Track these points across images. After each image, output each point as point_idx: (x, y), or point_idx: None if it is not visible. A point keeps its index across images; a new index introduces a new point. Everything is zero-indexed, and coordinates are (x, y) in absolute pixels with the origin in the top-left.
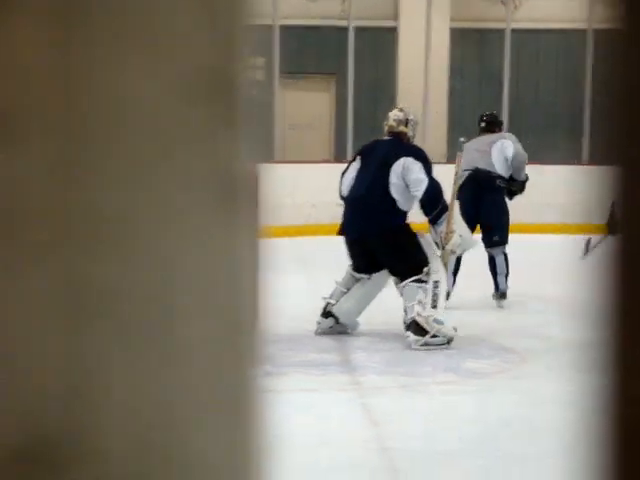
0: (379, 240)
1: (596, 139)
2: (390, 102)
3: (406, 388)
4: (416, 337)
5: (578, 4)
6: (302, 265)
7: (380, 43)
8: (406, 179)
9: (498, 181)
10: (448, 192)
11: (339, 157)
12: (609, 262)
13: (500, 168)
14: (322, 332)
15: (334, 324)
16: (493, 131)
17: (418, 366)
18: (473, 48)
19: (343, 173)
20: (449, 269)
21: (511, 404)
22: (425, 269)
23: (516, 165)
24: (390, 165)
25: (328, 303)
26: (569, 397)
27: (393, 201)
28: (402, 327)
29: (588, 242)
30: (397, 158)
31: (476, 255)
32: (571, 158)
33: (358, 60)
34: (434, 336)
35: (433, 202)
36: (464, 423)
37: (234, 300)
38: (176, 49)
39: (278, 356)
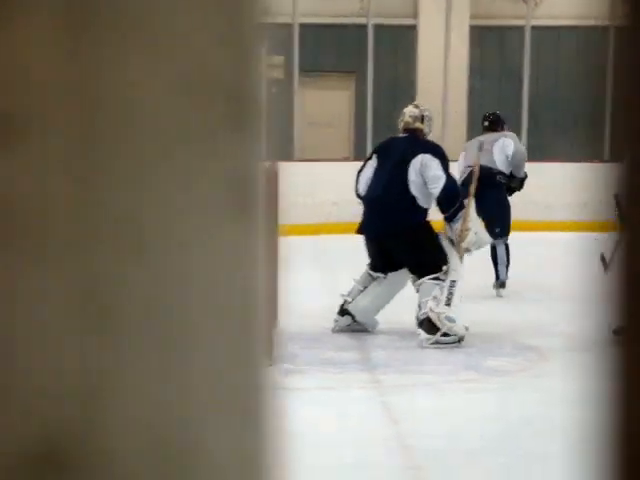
0: (400, 238)
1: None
2: (409, 100)
3: (426, 386)
4: (427, 335)
5: (598, 1)
6: (322, 263)
7: (399, 41)
8: (424, 176)
9: (499, 177)
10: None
11: (359, 155)
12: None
13: (501, 165)
14: (339, 330)
15: (351, 322)
16: (495, 130)
17: (438, 364)
18: (493, 46)
19: (359, 171)
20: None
21: (532, 402)
22: (444, 268)
23: (515, 163)
24: (408, 162)
25: (345, 301)
26: (587, 396)
27: (413, 199)
28: (415, 323)
29: (603, 257)
30: (415, 155)
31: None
32: (593, 156)
33: (377, 58)
34: (445, 334)
35: (450, 199)
36: (485, 421)
37: (246, 300)
38: (184, 49)
39: (297, 354)
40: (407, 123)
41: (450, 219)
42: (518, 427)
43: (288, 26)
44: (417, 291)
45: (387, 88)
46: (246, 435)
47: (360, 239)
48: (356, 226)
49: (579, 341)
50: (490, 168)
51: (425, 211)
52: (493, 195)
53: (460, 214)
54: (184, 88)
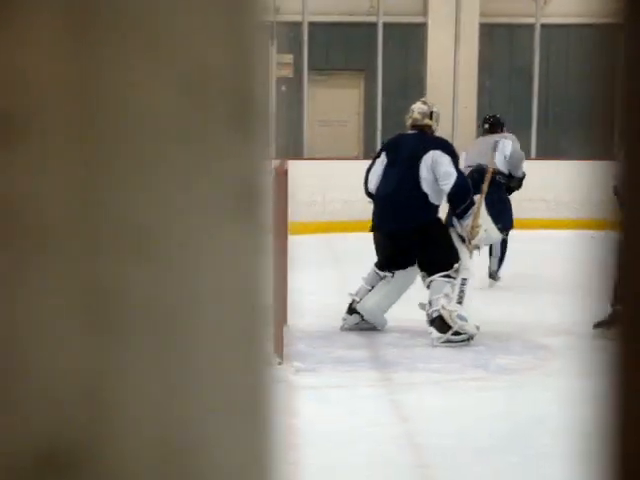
0: (412, 236)
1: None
2: (419, 98)
3: (436, 384)
4: (439, 334)
5: None
6: (332, 262)
7: (409, 39)
8: (435, 172)
9: (498, 177)
10: None
11: (368, 153)
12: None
13: (500, 165)
14: (348, 328)
15: (359, 321)
16: (495, 132)
17: (448, 362)
18: (502, 44)
19: (368, 169)
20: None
21: (542, 401)
22: (455, 265)
23: (513, 162)
24: (419, 159)
25: (353, 300)
26: (591, 394)
27: (425, 196)
28: (427, 323)
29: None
30: (426, 151)
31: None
32: (603, 154)
33: (387, 56)
34: (457, 333)
35: (461, 196)
36: (494, 420)
37: (247, 301)
38: (184, 49)
39: (307, 352)
40: (416, 120)
41: (461, 216)
42: (527, 426)
43: (298, 25)
44: (427, 288)
45: (397, 86)
46: (250, 435)
47: (370, 237)
48: (366, 224)
49: (588, 339)
50: (493, 168)
51: (436, 208)
52: (493, 194)
53: (470, 211)
54: (184, 88)
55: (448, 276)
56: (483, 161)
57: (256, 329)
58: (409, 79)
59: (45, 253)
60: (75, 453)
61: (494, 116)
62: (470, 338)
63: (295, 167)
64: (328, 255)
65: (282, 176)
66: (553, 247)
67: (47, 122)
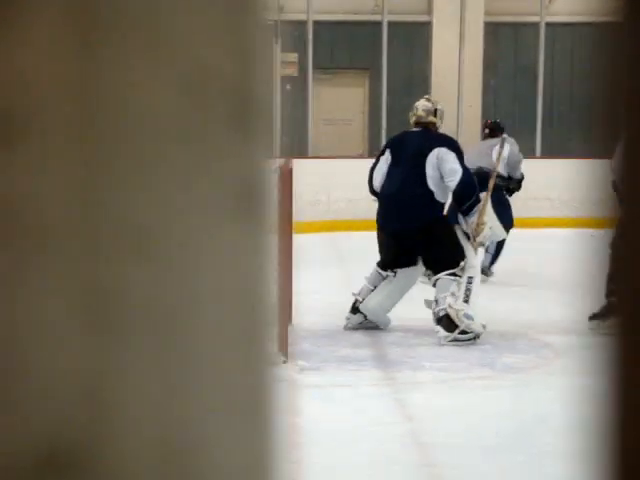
0: (418, 234)
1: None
2: (423, 96)
3: (441, 383)
4: (446, 333)
5: None
6: (337, 261)
7: (414, 38)
8: (441, 169)
9: (497, 180)
10: None
11: (373, 152)
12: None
13: (499, 168)
14: (351, 327)
15: (363, 320)
16: (496, 136)
17: (453, 361)
18: (507, 42)
19: (372, 167)
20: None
21: (548, 400)
22: (461, 264)
23: (511, 164)
24: (425, 156)
25: (357, 300)
26: (594, 392)
27: (431, 193)
28: (433, 322)
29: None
30: (431, 149)
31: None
32: (603, 152)
33: (392, 55)
34: (463, 332)
35: (467, 193)
36: (500, 419)
37: (248, 301)
38: (185, 49)
39: (312, 351)
40: (420, 117)
41: (466, 213)
42: (534, 424)
43: (302, 23)
44: (433, 286)
45: (401, 85)
46: (250, 435)
47: (374, 236)
48: (370, 223)
49: (590, 337)
50: (489, 171)
51: (442, 205)
52: (492, 196)
53: (476, 208)
54: (184, 88)
55: (454, 274)
56: (483, 164)
57: (257, 329)
58: (414, 78)
59: (45, 253)
60: (75, 453)
61: (494, 121)
62: (476, 337)
63: (300, 166)
64: (333, 254)
65: (286, 175)
66: (557, 245)
67: (47, 122)
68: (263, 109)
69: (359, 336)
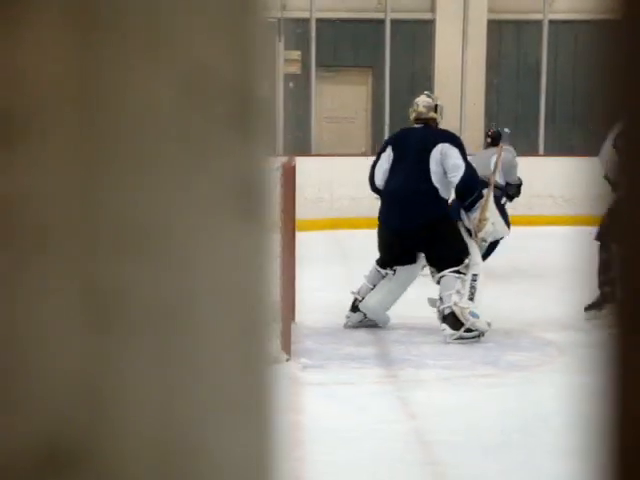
0: (420, 233)
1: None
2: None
3: (444, 381)
4: (452, 331)
5: None
6: (340, 258)
7: (417, 36)
8: (444, 165)
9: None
10: None
11: (376, 150)
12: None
13: (497, 176)
14: (351, 326)
15: (363, 318)
16: (497, 145)
17: (457, 359)
18: (510, 40)
19: (374, 165)
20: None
21: (551, 397)
22: (466, 261)
23: (504, 170)
24: (429, 152)
25: (356, 298)
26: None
27: (435, 190)
28: (437, 318)
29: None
30: (435, 144)
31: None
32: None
33: (395, 53)
34: (468, 330)
35: (469, 188)
36: (504, 416)
37: (248, 300)
38: (185, 48)
39: (315, 349)
40: (420, 113)
41: (468, 208)
42: (537, 422)
43: (305, 21)
44: (437, 283)
45: (404, 83)
46: (250, 435)
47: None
48: (373, 221)
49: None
50: (487, 180)
51: (446, 202)
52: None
53: (478, 204)
54: (184, 88)
55: (458, 272)
56: (482, 173)
57: (257, 328)
58: (417, 76)
59: (45, 253)
60: (75, 452)
61: (496, 131)
62: (481, 334)
63: (302, 164)
64: (335, 252)
65: (289, 173)
66: (560, 243)
67: (47, 122)
68: (263, 108)
69: (362, 334)
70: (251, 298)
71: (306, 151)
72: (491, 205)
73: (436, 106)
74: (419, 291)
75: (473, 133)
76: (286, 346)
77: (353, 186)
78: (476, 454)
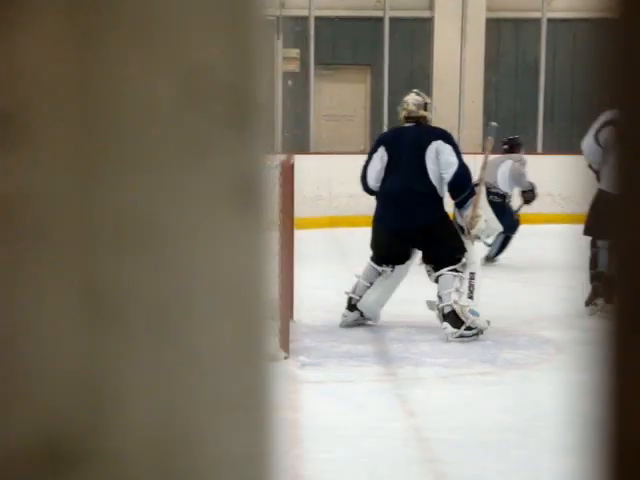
0: (422, 233)
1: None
2: (426, 93)
3: (443, 379)
4: (453, 329)
5: None
6: (338, 256)
7: (415, 34)
8: (438, 162)
9: (491, 197)
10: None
11: None
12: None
13: (502, 184)
14: (347, 325)
15: (359, 317)
16: (514, 152)
17: (455, 357)
18: (509, 38)
19: (365, 165)
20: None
21: (548, 395)
22: (463, 260)
23: (513, 176)
24: (424, 150)
25: (352, 297)
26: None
27: (434, 189)
28: (436, 318)
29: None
30: (429, 143)
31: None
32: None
33: (393, 51)
34: (468, 328)
35: (461, 185)
36: (502, 414)
37: (248, 299)
38: (184, 48)
39: (313, 347)
40: (411, 111)
41: (460, 205)
42: (534, 420)
43: (304, 19)
44: (435, 282)
45: (403, 81)
46: (249, 433)
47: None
48: (371, 219)
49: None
50: (490, 187)
51: (442, 200)
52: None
53: (470, 201)
54: (183, 87)
55: (456, 270)
56: (489, 179)
57: (255, 324)
58: (415, 74)
59: (45, 251)
60: (74, 452)
61: (514, 138)
62: (480, 332)
63: (301, 162)
64: (334, 250)
65: (288, 171)
66: (558, 241)
67: (47, 122)
68: (261, 106)
69: (360, 332)
70: (250, 296)
71: (305, 149)
72: (483, 202)
73: (426, 104)
74: (417, 290)
75: (471, 131)
76: (284, 344)
77: (352, 184)
78: (475, 451)
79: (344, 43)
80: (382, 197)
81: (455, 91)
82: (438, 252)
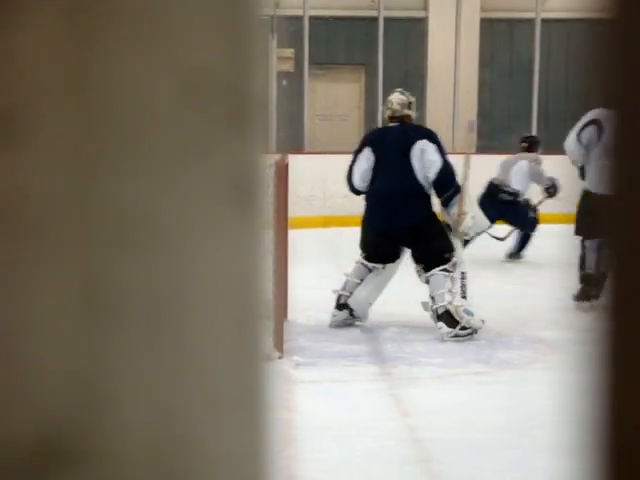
0: (410, 233)
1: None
2: (420, 93)
3: (437, 379)
4: (448, 329)
5: None
6: (332, 256)
7: (410, 34)
8: (423, 161)
9: (500, 195)
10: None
11: None
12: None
13: (516, 184)
14: (336, 325)
15: (348, 316)
16: (531, 151)
17: (449, 357)
18: (503, 38)
19: (351, 166)
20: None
21: (543, 395)
22: (453, 259)
23: (533, 177)
24: (409, 149)
25: (341, 295)
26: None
27: (421, 187)
28: (431, 317)
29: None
30: (414, 142)
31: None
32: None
33: (388, 51)
34: (463, 327)
35: (445, 185)
36: (497, 414)
37: (246, 298)
38: (184, 48)
39: (307, 347)
40: (395, 111)
41: (446, 204)
42: (529, 420)
43: (299, 19)
44: (426, 282)
45: (397, 80)
46: (244, 433)
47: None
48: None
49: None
50: (498, 184)
51: (430, 199)
52: (494, 204)
53: (455, 198)
54: (182, 87)
55: (446, 270)
56: (502, 177)
57: (251, 323)
58: (410, 73)
59: (44, 251)
60: (73, 451)
61: (531, 136)
62: (474, 332)
63: (295, 161)
64: (328, 250)
65: (282, 170)
66: (552, 241)
67: (47, 122)
68: (259, 106)
69: (354, 332)
70: (245, 295)
71: (299, 149)
72: (468, 199)
73: (410, 103)
74: (412, 290)
75: (465, 131)
76: (278, 344)
77: (346, 184)
78: (469, 451)
79: (338, 43)
80: (370, 198)
81: (449, 91)
82: (426, 251)
